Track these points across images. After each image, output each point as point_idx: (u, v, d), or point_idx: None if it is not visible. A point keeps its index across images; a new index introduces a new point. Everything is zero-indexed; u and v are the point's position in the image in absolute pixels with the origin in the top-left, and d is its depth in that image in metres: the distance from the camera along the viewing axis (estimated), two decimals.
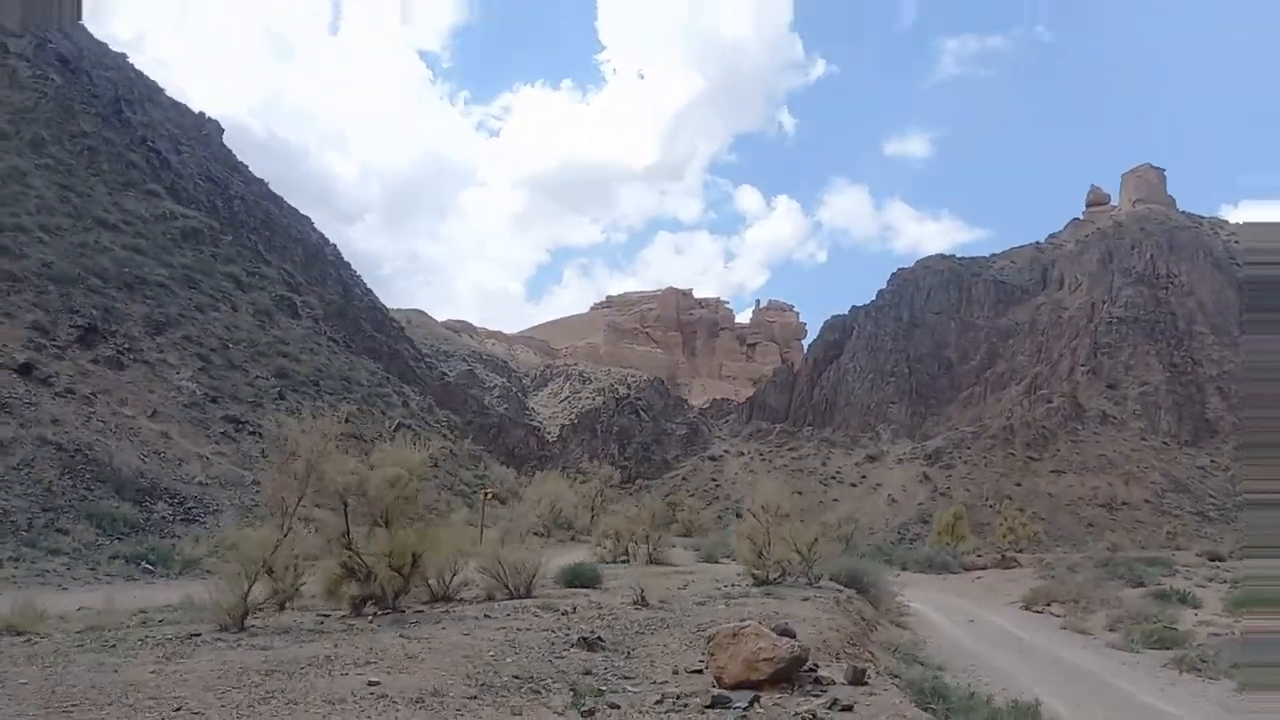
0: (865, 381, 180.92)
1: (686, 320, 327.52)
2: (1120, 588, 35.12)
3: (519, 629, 14.68)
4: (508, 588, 19.78)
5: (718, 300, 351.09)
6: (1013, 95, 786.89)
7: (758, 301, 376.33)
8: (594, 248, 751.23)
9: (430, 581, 19.24)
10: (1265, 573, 10.58)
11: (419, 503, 17.24)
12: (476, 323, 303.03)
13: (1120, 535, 79.90)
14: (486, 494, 38.77)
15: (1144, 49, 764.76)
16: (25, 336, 40.49)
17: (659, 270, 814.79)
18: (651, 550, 33.14)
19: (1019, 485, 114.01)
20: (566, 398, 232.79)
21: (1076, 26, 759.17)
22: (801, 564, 24.17)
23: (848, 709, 9.51)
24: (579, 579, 22.34)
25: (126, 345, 44.84)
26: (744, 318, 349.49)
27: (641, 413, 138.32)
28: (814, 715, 9.25)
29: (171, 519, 32.13)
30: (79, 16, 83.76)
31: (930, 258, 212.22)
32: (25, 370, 37.43)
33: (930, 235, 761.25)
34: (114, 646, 12.42)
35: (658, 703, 9.79)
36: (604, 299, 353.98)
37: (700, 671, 11.42)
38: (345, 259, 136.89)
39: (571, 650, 13.14)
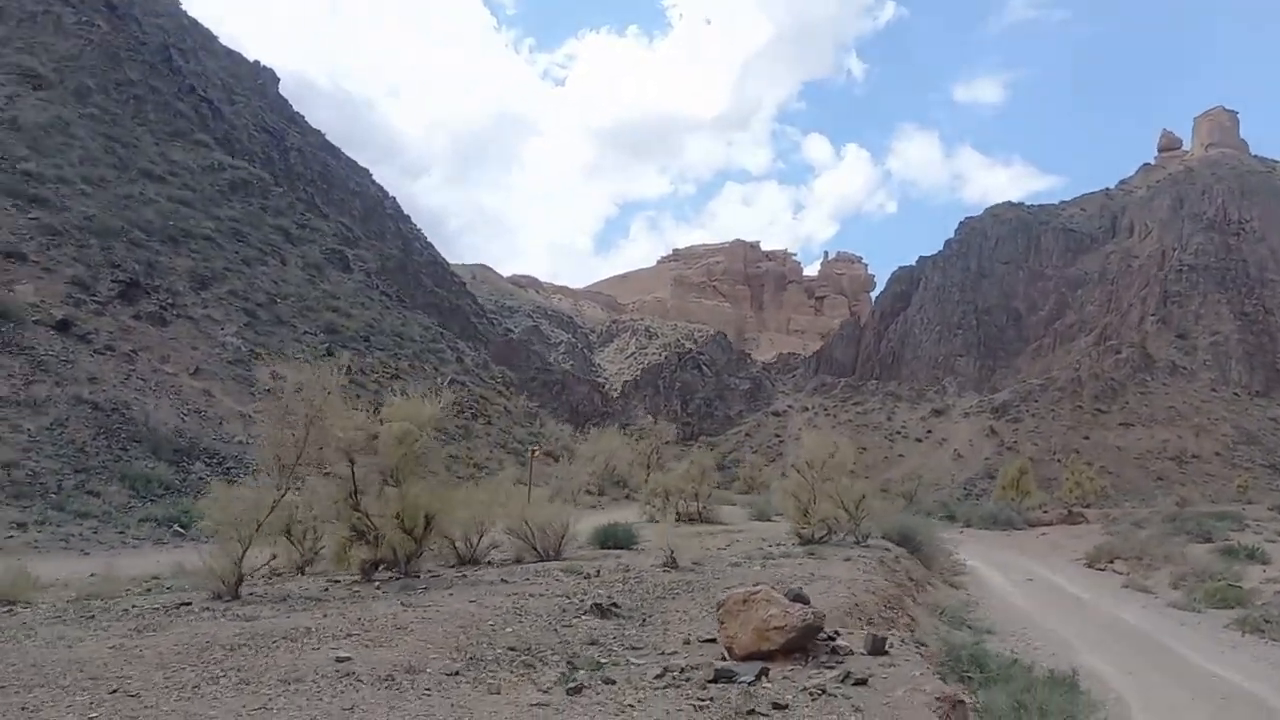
0: (932, 334, 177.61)
1: (754, 273, 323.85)
2: (1185, 543, 33.31)
3: (533, 595, 13.54)
4: (536, 550, 18.57)
5: (785, 253, 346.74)
6: (1085, 38, 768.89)
7: (826, 253, 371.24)
8: (662, 200, 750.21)
9: (456, 544, 18.20)
10: None
11: (432, 460, 15.84)
12: (543, 277, 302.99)
13: (1190, 489, 77.15)
14: (534, 452, 37.69)
15: None
16: (64, 292, 39.89)
17: (727, 222, 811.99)
18: (701, 508, 31.79)
19: (1087, 439, 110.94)
20: (632, 353, 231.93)
21: None
22: (849, 522, 22.69)
23: (861, 682, 8.50)
24: (613, 540, 21.02)
25: (170, 301, 44.22)
26: (812, 270, 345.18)
27: (704, 368, 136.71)
28: (823, 690, 8.20)
29: (209, 479, 31.33)
30: None
31: (998, 206, 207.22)
32: (63, 327, 36.81)
33: (1001, 183, 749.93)
34: (93, 618, 11.57)
35: (658, 676, 8.75)
36: (670, 252, 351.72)
37: (714, 641, 10.32)
38: (405, 212, 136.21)
39: (583, 618, 12.08)
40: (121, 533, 24.47)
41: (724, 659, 9.50)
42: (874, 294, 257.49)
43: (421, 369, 53.60)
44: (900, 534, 26.60)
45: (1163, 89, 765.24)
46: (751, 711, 7.70)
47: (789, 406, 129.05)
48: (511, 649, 9.98)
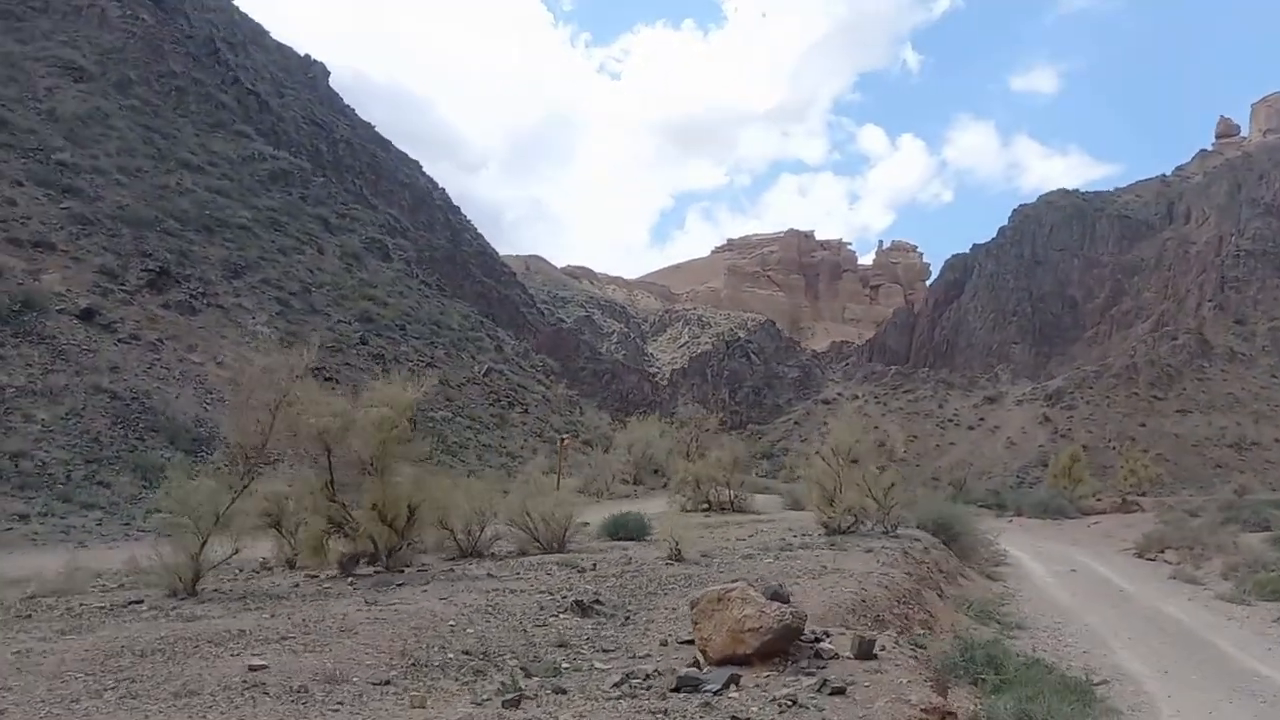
0: (986, 321, 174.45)
1: (808, 262, 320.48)
2: (1239, 532, 31.55)
3: (515, 590, 12.62)
4: (539, 542, 17.57)
5: (840, 242, 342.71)
6: (1142, 25, 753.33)
7: (880, 242, 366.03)
8: (717, 191, 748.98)
9: (457, 536, 17.29)
10: None
11: (415, 447, 14.87)
12: (600, 268, 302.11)
13: (1249, 477, 74.16)
14: (564, 441, 36.70)
15: None
16: (92, 281, 39.60)
17: (782, 213, 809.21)
18: (734, 497, 30.61)
19: (1143, 426, 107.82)
20: (685, 343, 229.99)
21: None
22: (879, 511, 21.45)
23: (839, 691, 7.51)
24: (624, 531, 19.94)
25: (201, 289, 43.86)
26: (867, 259, 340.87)
27: (752, 356, 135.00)
28: (794, 701, 7.29)
29: (229, 470, 30.73)
30: None
31: (1052, 193, 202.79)
32: (87, 316, 36.51)
33: (1057, 172, 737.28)
34: (29, 617, 10.82)
35: (616, 685, 7.87)
36: (725, 242, 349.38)
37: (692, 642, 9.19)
38: (455, 203, 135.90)
39: (560, 616, 11.17)
40: (127, 525, 23.81)
41: (697, 663, 8.57)
42: (929, 282, 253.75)
43: (458, 357, 52.84)
44: (935, 523, 25.36)
45: (1219, 76, 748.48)
46: None
47: (839, 395, 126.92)
48: (466, 653, 9.10)
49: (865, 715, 6.99)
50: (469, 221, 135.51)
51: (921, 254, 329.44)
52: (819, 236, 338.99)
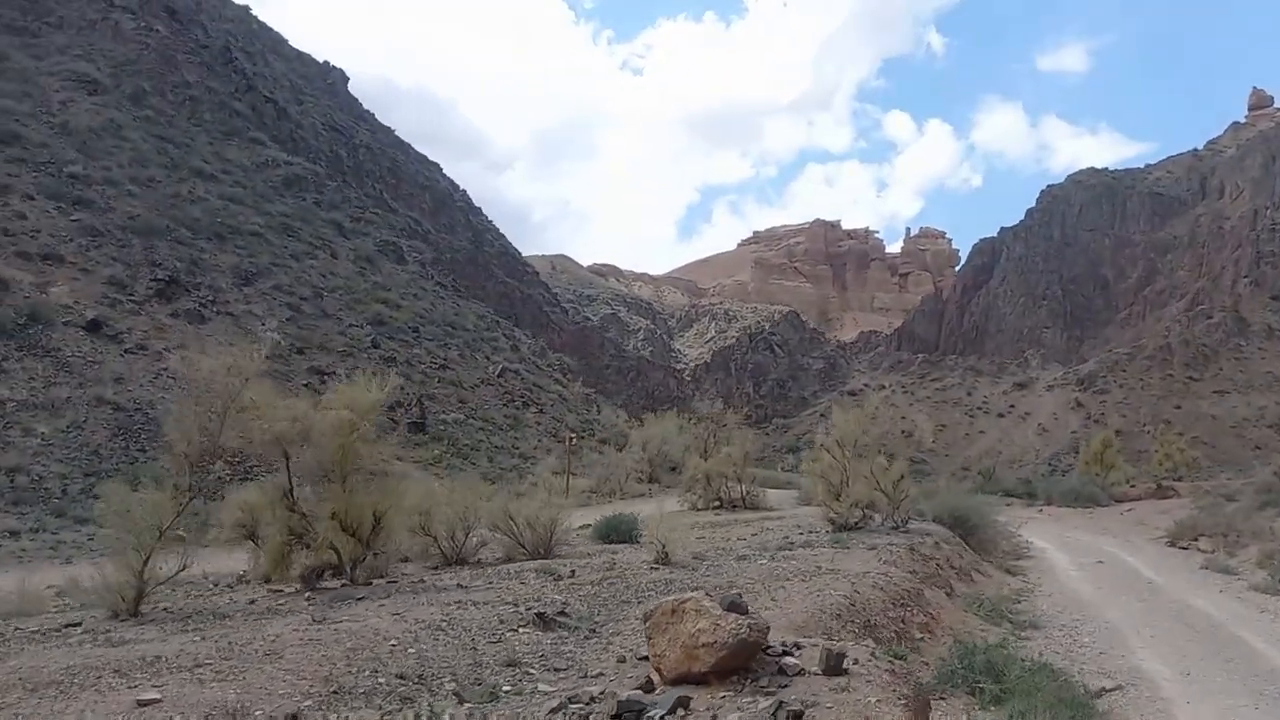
0: (1016, 306, 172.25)
1: (835, 252, 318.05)
2: (1276, 517, 30.16)
3: (479, 602, 11.94)
4: (523, 547, 16.92)
5: (866, 230, 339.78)
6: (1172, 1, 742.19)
7: (908, 229, 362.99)
8: (743, 184, 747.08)
9: (441, 543, 16.69)
10: None
11: (381, 452, 14.19)
12: (627, 265, 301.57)
13: None
14: (571, 439, 36.00)
15: None
16: (100, 292, 39.59)
17: (810, 203, 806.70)
18: (745, 493, 29.84)
19: (1179, 408, 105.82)
20: (712, 337, 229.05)
21: None
22: (889, 504, 20.64)
23: (797, 716, 6.71)
24: (615, 533, 19.22)
25: (210, 297, 43.69)
26: (895, 247, 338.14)
27: (776, 348, 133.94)
28: None
29: (228, 479, 30.30)
30: None
31: (1081, 172, 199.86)
32: (93, 327, 36.50)
33: (1089, 151, 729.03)
34: None
35: (554, 711, 7.14)
36: (751, 235, 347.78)
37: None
38: (477, 205, 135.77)
39: (520, 630, 10.45)
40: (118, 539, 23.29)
41: (649, 683, 7.81)
42: (958, 268, 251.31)
43: (472, 358, 52.29)
44: (952, 516, 24.49)
45: (1253, 48, 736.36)
46: None
47: (865, 385, 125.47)
48: (400, 677, 8.40)
49: None
50: (490, 222, 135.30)
51: (950, 240, 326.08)
52: (846, 226, 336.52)
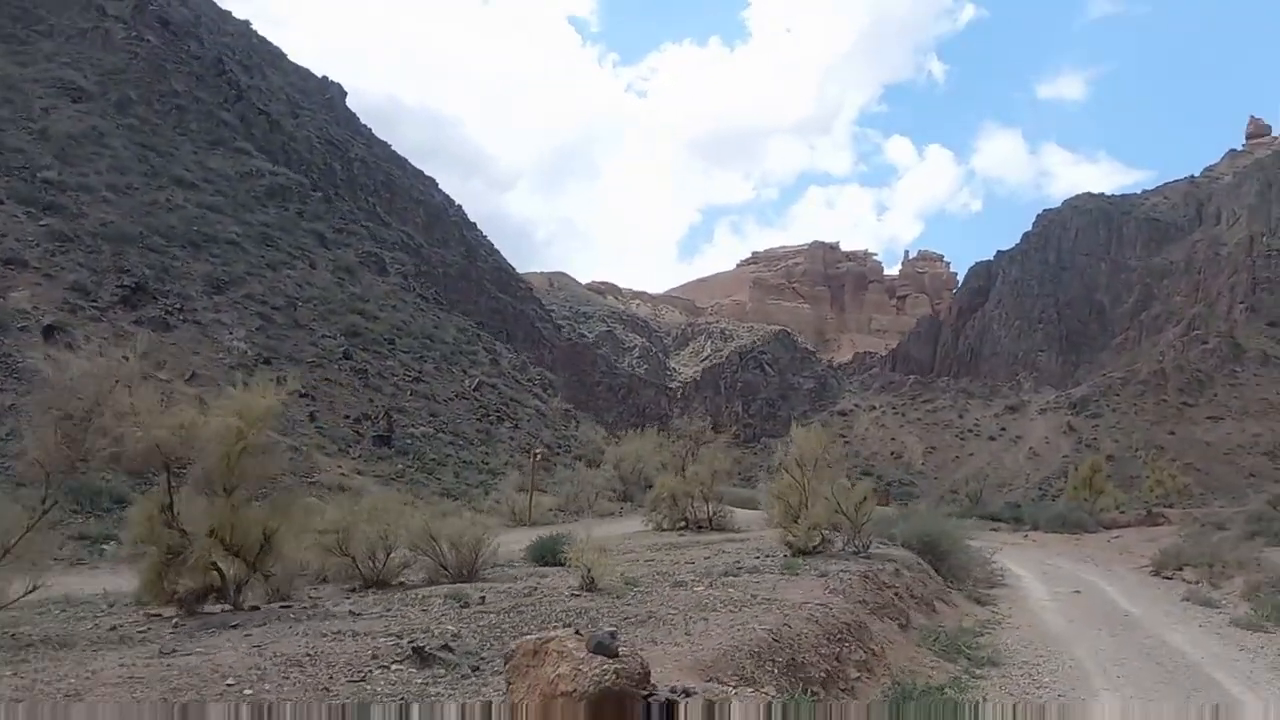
0: (1012, 329, 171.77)
1: (834, 274, 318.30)
2: (1262, 547, 29.10)
3: (359, 633, 10.85)
4: (446, 569, 15.90)
5: (865, 253, 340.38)
6: (1170, 29, 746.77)
7: (906, 252, 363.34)
8: (745, 205, 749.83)
9: (359, 564, 15.67)
10: None
11: (273, 463, 13.20)
12: (630, 284, 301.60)
13: None
14: (535, 455, 34.99)
15: None
16: (61, 298, 38.68)
17: (810, 226, 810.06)
18: (712, 514, 28.80)
19: (1172, 434, 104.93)
20: (708, 356, 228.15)
21: None
22: (851, 528, 19.65)
23: None
24: (551, 554, 18.19)
25: (178, 305, 42.74)
26: (894, 270, 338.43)
27: (767, 367, 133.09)
28: None
29: (175, 491, 29.28)
30: None
31: (1078, 197, 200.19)
32: (49, 333, 35.53)
33: (1088, 179, 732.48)
34: None
35: None
36: (750, 255, 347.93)
37: None
38: (471, 219, 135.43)
39: (392, 668, 9.29)
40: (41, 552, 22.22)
41: None
42: (955, 291, 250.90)
43: (449, 371, 51.33)
44: (922, 541, 23.48)
45: (1251, 79, 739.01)
46: None
47: (855, 405, 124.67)
48: None
49: None
50: (485, 238, 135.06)
51: (949, 263, 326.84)
52: (845, 248, 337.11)
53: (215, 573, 12.36)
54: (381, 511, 16.17)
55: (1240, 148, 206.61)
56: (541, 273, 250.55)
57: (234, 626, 11.29)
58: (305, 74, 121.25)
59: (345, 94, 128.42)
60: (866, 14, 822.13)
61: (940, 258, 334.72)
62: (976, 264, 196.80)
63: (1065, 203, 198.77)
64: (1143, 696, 12.99)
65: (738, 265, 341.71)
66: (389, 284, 60.31)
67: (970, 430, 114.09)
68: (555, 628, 11.19)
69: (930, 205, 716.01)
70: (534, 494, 32.64)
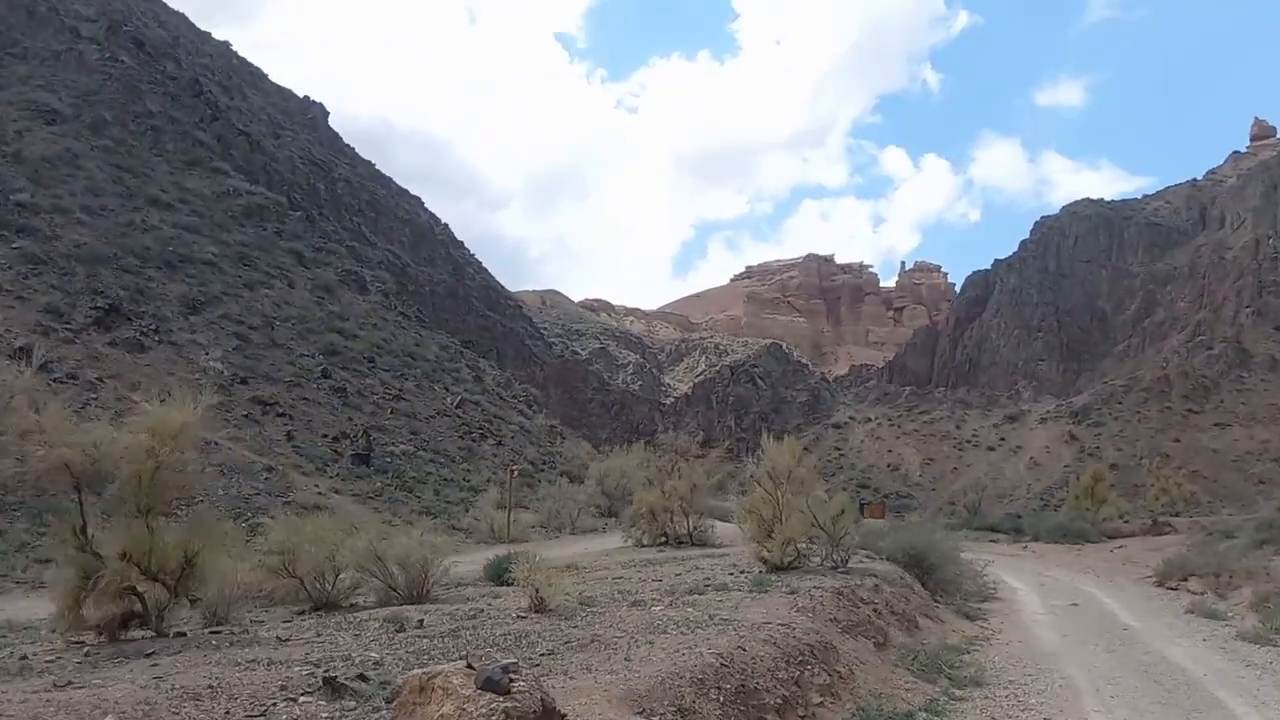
0: (1010, 339, 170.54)
1: (829, 287, 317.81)
2: (1269, 556, 27.99)
3: (276, 662, 9.92)
4: (395, 591, 14.91)
5: (860, 265, 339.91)
6: (1170, 32, 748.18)
7: (903, 264, 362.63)
8: (739, 220, 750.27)
9: (309, 586, 14.72)
10: None
11: (189, 483, 12.24)
12: (624, 301, 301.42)
13: None
14: (513, 472, 34.05)
15: None
16: (35, 320, 37.95)
17: (806, 239, 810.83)
18: (692, 529, 27.77)
19: (1177, 441, 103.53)
20: (702, 371, 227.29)
21: None
22: (829, 542, 18.67)
23: None
24: (508, 574, 17.14)
25: (153, 326, 41.92)
26: (891, 282, 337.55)
27: (759, 381, 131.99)
28: None
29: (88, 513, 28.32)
30: None
31: (1077, 203, 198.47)
32: (21, 355, 34.72)
33: (1088, 187, 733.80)
34: None
35: None
36: (744, 270, 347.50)
37: None
38: (458, 238, 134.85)
39: (300, 701, 8.35)
40: (4, 576, 21.45)
41: None
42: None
43: (430, 389, 50.38)
44: (908, 554, 22.48)
45: (1254, 81, 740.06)
46: None
47: (850, 418, 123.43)
48: None
49: None
50: (473, 256, 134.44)
51: (946, 274, 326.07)
52: (841, 260, 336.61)
53: (135, 598, 11.38)
54: (327, 532, 15.20)
55: (1244, 149, 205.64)
56: (534, 291, 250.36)
57: (148, 655, 10.42)
58: (287, 94, 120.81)
59: (328, 114, 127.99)
60: (858, 24, 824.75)
61: (938, 268, 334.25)
62: (974, 273, 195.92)
63: (1064, 209, 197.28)
64: (1137, 718, 12.01)
65: (731, 280, 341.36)
66: (369, 302, 59.43)
67: (968, 441, 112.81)
68: (491, 653, 10.22)
69: (928, 216, 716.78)
70: (512, 511, 31.64)
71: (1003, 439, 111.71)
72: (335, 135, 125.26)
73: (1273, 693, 13.24)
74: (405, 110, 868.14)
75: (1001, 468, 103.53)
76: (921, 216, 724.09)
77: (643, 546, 27.34)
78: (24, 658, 10.73)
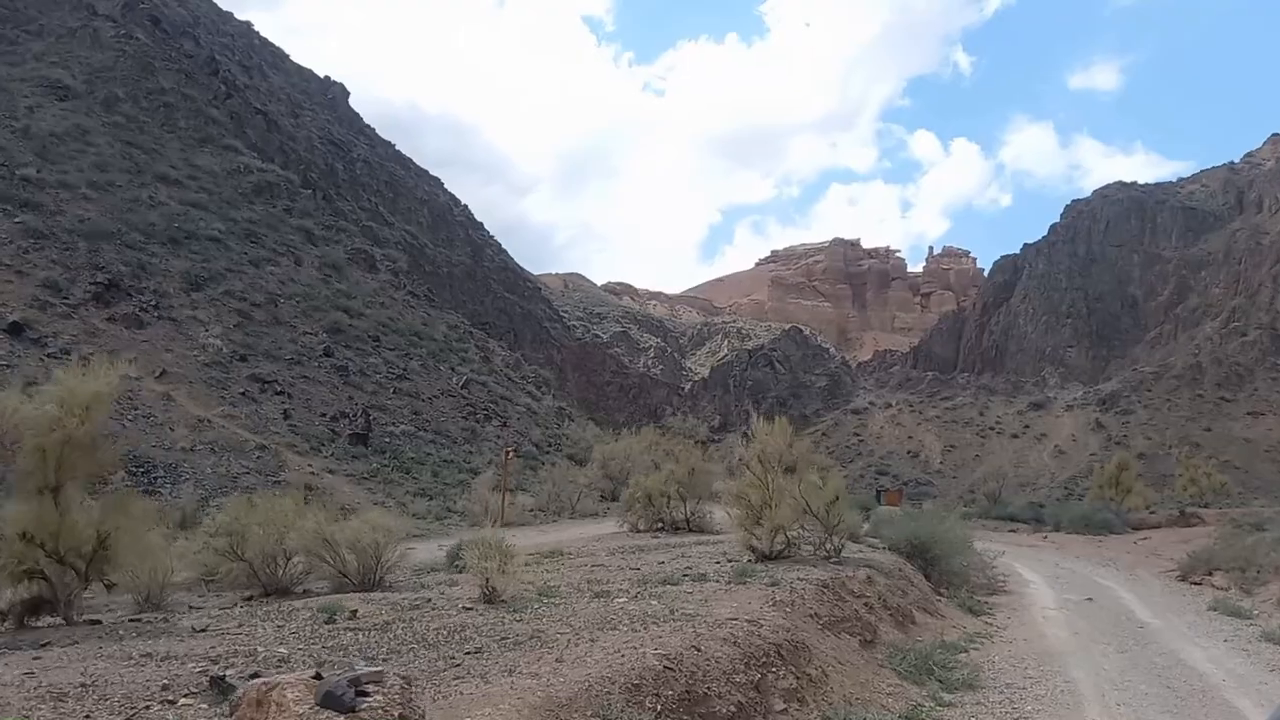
0: (1039, 324, 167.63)
1: (855, 271, 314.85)
2: None
3: (172, 656, 8.96)
4: (346, 577, 13.94)
5: (888, 249, 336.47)
6: (1206, 13, 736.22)
7: (930, 249, 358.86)
8: (766, 204, 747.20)
9: (259, 571, 13.82)
10: None
11: (102, 458, 11.27)
12: (651, 285, 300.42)
13: None
14: (507, 453, 33.06)
15: None
16: (31, 295, 37.40)
17: (833, 223, 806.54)
18: (689, 514, 26.64)
19: (1209, 430, 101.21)
20: (724, 356, 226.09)
21: None
22: (823, 530, 17.57)
23: None
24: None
25: (153, 302, 41.28)
26: (918, 267, 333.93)
27: (777, 365, 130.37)
28: None
29: (128, 491, 27.65)
30: None
31: (1108, 186, 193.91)
32: (15, 330, 34.25)
33: (1122, 171, 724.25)
34: None
35: None
36: (769, 254, 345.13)
37: None
38: (477, 219, 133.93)
39: (180, 702, 7.43)
40: None
41: None
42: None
43: (436, 369, 49.50)
44: (910, 544, 21.36)
45: None
46: None
47: (870, 404, 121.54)
48: None
49: None
50: (491, 237, 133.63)
51: (975, 259, 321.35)
52: (869, 245, 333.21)
53: (45, 582, 10.45)
54: (278, 513, 14.24)
55: None
56: (557, 274, 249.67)
57: (43, 646, 9.58)
58: (307, 74, 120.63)
59: (348, 94, 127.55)
60: (888, 5, 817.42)
61: (966, 253, 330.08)
62: (1002, 258, 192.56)
63: (1095, 193, 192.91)
64: None
65: (756, 264, 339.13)
66: (378, 281, 58.59)
67: (991, 428, 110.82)
68: (434, 647, 9.21)
69: (957, 201, 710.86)
70: (507, 494, 30.66)
71: (1027, 426, 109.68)
72: (355, 115, 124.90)
73: None
74: (434, 95, 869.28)
75: (1025, 456, 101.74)
76: (951, 201, 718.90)
77: (638, 532, 26.29)
78: None
